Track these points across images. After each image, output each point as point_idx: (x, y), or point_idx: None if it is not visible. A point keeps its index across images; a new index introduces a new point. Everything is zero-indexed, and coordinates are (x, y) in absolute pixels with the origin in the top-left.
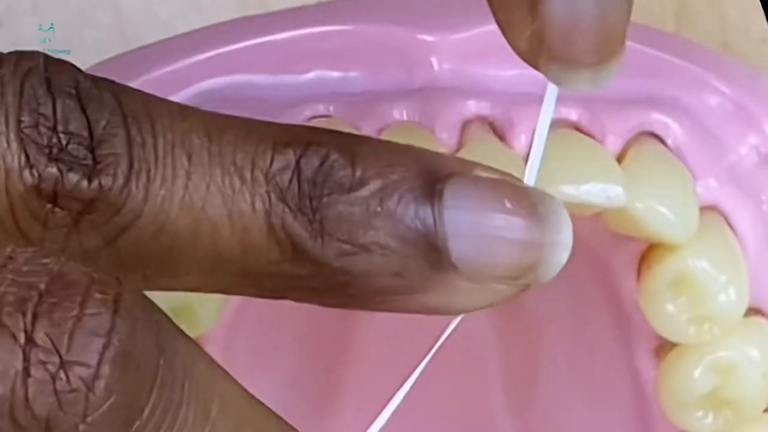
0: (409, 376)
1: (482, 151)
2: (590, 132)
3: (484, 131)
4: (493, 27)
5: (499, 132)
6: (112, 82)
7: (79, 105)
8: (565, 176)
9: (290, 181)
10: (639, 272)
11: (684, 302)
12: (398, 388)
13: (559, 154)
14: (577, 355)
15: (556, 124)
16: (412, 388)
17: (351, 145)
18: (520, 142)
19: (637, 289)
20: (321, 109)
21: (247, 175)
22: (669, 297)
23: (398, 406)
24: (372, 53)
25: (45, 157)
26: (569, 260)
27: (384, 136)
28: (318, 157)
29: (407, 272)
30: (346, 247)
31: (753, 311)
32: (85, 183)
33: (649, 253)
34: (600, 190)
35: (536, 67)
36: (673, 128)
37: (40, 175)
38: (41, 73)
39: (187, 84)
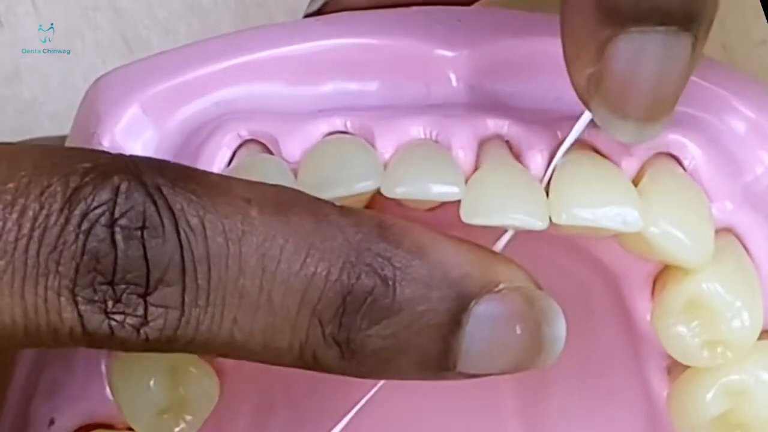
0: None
1: (499, 173)
2: (607, 152)
3: (502, 151)
4: (513, 43)
5: (515, 151)
6: (175, 190)
7: (142, 250)
8: (581, 200)
9: (333, 318)
10: (653, 292)
11: (697, 326)
12: None
13: (576, 176)
14: (588, 371)
15: (574, 143)
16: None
17: (394, 275)
18: (536, 162)
19: (650, 308)
20: (338, 124)
21: (293, 313)
22: (682, 320)
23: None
24: (390, 67)
25: (98, 314)
26: (582, 275)
27: (401, 154)
28: (364, 293)
29: (414, 378)
30: (369, 369)
31: (767, 333)
32: (134, 336)
33: (663, 273)
34: (616, 215)
35: (587, 106)
36: (690, 149)
37: (91, 334)
38: (108, 219)
39: (201, 93)
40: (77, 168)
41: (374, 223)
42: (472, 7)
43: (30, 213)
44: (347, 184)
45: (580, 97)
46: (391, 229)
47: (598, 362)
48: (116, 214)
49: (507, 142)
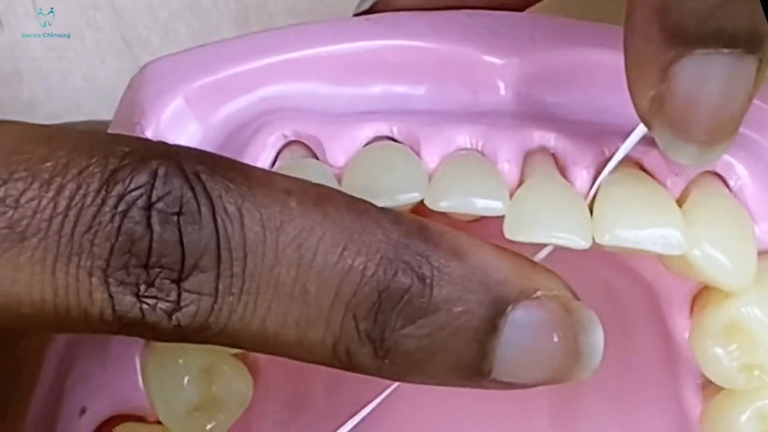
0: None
1: (543, 189)
2: (653, 171)
3: (547, 166)
4: (563, 52)
5: (561, 165)
6: (214, 177)
7: (178, 235)
8: (624, 220)
9: (368, 314)
10: (692, 311)
11: (735, 349)
12: None
13: (620, 196)
14: (623, 385)
15: (621, 161)
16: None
17: (431, 274)
18: (581, 178)
19: (689, 327)
20: (383, 129)
21: (327, 306)
22: (720, 342)
23: None
24: (438, 71)
25: (130, 296)
26: (622, 288)
27: (447, 163)
28: (400, 290)
29: (448, 383)
30: (403, 370)
31: None
32: (165, 321)
33: (704, 293)
34: (659, 237)
35: (649, 127)
36: (737, 169)
37: (121, 317)
38: (145, 202)
39: (248, 89)
40: (116, 150)
41: (414, 223)
42: (522, 14)
43: (66, 192)
44: (392, 194)
45: (642, 119)
46: (430, 230)
47: (634, 376)
48: (153, 198)
49: (553, 155)
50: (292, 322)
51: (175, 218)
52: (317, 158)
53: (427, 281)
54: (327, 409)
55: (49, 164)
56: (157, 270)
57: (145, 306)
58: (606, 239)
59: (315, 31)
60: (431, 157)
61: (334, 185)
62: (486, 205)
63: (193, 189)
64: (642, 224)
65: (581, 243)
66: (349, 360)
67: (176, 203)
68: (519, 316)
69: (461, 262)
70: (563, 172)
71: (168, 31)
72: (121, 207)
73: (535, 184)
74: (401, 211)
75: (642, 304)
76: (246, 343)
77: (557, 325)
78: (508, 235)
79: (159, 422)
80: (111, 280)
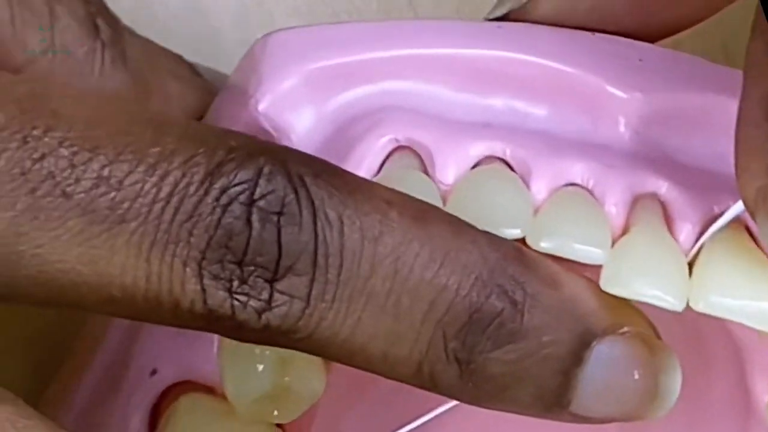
0: None
1: (647, 242)
2: (759, 237)
3: (654, 217)
4: (689, 95)
5: (668, 214)
6: (317, 182)
7: (276, 235)
8: (722, 289)
9: (457, 333)
10: None
11: None
12: None
13: (721, 262)
14: (692, 428)
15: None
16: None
17: (524, 300)
18: (686, 234)
19: None
20: (497, 148)
21: (417, 322)
22: None
23: None
24: (562, 93)
25: (222, 291)
26: (706, 333)
27: (554, 200)
28: (492, 313)
29: (526, 413)
30: (485, 395)
31: None
32: (254, 319)
33: None
34: (756, 312)
35: (753, 217)
36: None
37: (211, 311)
38: (247, 198)
39: (371, 79)
40: (224, 143)
41: (512, 247)
42: (657, 47)
43: (171, 178)
44: (494, 227)
45: (747, 208)
46: (527, 256)
47: (704, 421)
48: (256, 195)
49: (662, 203)
50: (381, 334)
51: (275, 218)
52: (426, 169)
53: (519, 307)
54: (389, 393)
55: (156, 149)
56: (252, 268)
57: (236, 302)
58: (700, 306)
59: (445, 30)
60: (540, 188)
61: (439, 204)
62: (587, 252)
63: (296, 191)
64: (740, 295)
65: (676, 306)
66: (432, 379)
67: (278, 203)
68: (603, 351)
69: (555, 290)
70: (669, 223)
71: (168, 32)
72: (223, 200)
73: (639, 237)
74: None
75: (725, 354)
76: (331, 352)
77: (639, 363)
78: (603, 285)
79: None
80: (205, 272)
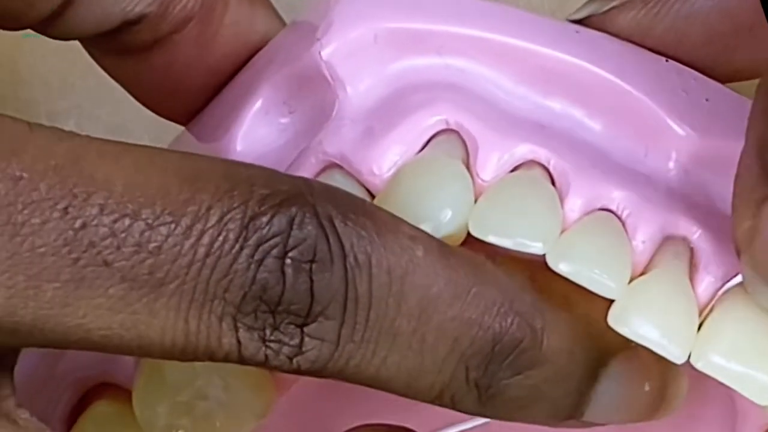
0: None
1: (665, 289)
2: None
3: (680, 263)
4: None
5: (694, 262)
6: (346, 224)
7: (309, 283)
8: (725, 351)
9: (479, 364)
10: None
11: None
12: None
13: (729, 323)
14: None
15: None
16: None
17: (543, 326)
18: (706, 285)
19: None
20: (542, 156)
21: (441, 356)
22: None
23: None
24: (622, 113)
25: (256, 342)
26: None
27: (584, 226)
28: (513, 342)
29: (539, 423)
30: (502, 413)
31: None
32: (287, 364)
33: None
34: (754, 381)
35: (738, 258)
36: None
37: (245, 359)
38: (281, 251)
39: (439, 51)
40: (256, 194)
41: (526, 275)
42: (726, 90)
43: (206, 239)
44: (519, 236)
45: (735, 249)
46: (541, 281)
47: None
48: (289, 246)
49: (692, 249)
50: (405, 370)
51: (307, 266)
52: (468, 159)
53: (539, 333)
54: None
55: (192, 208)
56: (284, 315)
57: (269, 351)
58: (699, 365)
59: (525, 21)
60: (574, 206)
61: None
62: (602, 285)
63: (327, 237)
64: (741, 361)
65: (677, 358)
66: (452, 403)
67: (310, 251)
68: (618, 367)
69: (570, 313)
70: (693, 271)
71: None
72: (258, 256)
73: (657, 280)
74: (513, 261)
75: (717, 404)
76: (357, 382)
77: (650, 375)
78: (610, 320)
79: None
80: (240, 325)
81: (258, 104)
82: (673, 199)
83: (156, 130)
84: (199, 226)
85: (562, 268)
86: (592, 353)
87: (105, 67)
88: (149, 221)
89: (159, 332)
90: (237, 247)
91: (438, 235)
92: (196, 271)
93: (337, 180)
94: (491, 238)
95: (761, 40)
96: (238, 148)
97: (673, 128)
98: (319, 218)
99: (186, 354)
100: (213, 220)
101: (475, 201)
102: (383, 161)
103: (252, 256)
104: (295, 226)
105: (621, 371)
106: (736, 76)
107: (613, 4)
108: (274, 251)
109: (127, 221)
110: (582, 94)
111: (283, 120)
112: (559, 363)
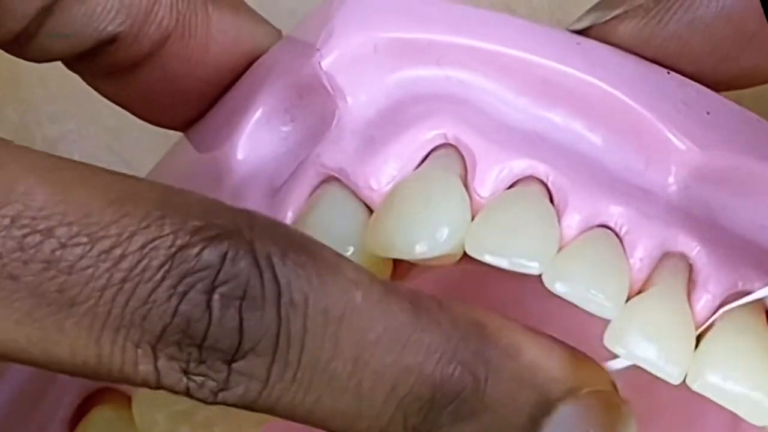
0: None
1: (662, 308)
2: None
3: (678, 283)
4: (747, 158)
5: (692, 280)
6: (285, 262)
7: (238, 321)
8: (722, 371)
9: (418, 411)
10: None
11: None
12: None
13: (728, 343)
14: None
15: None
16: None
17: (486, 375)
18: (704, 302)
19: None
20: (540, 171)
21: (379, 402)
22: None
23: None
24: (622, 127)
25: (177, 373)
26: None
27: (578, 245)
28: (454, 391)
29: None
30: None
31: None
32: (210, 398)
33: None
34: (750, 402)
35: None
36: None
37: (164, 387)
38: (208, 286)
39: (439, 62)
40: (188, 225)
41: (472, 320)
42: (728, 102)
43: (125, 264)
44: (516, 256)
45: None
46: (488, 328)
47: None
48: (217, 282)
49: (690, 266)
50: (340, 413)
51: (237, 303)
52: (466, 173)
53: (481, 382)
54: None
55: (114, 231)
56: (211, 351)
57: (191, 384)
58: (696, 386)
59: (526, 31)
60: (571, 223)
61: (468, 219)
62: (598, 305)
63: (261, 275)
64: (739, 381)
65: (674, 378)
66: None
67: (240, 288)
68: (561, 415)
69: (515, 360)
70: (691, 287)
71: None
72: (181, 288)
73: (655, 299)
74: (460, 305)
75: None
76: (289, 419)
77: (595, 424)
78: (606, 341)
79: None
80: (160, 354)
81: (259, 112)
82: (673, 214)
83: (156, 130)
84: (118, 251)
85: (558, 288)
86: (537, 402)
87: (97, 88)
88: (62, 240)
89: (68, 351)
90: (159, 275)
91: (434, 253)
92: (111, 295)
93: (334, 194)
94: (488, 258)
95: (764, 45)
96: (240, 155)
97: (674, 142)
98: (255, 255)
99: (99, 375)
100: (135, 245)
101: (473, 218)
102: (381, 175)
103: (174, 287)
104: (227, 262)
105: (564, 421)
106: (739, 83)
107: (615, 12)
108: (200, 285)
109: (38, 237)
110: (583, 107)
111: (285, 128)
112: (501, 412)
